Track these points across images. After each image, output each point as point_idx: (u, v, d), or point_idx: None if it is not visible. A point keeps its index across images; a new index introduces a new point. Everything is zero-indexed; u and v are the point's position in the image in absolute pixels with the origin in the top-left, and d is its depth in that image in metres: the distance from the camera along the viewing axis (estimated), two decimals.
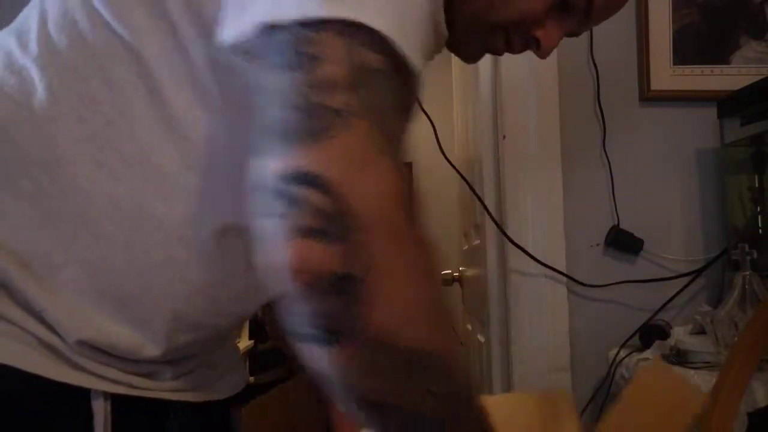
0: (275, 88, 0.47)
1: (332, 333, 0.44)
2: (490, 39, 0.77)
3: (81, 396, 0.63)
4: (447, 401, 0.48)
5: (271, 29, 0.48)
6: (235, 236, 0.65)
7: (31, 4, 0.69)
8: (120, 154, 0.62)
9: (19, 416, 0.61)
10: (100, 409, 0.63)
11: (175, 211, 0.63)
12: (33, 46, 0.64)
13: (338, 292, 0.43)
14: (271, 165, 0.44)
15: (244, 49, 0.51)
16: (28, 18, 0.67)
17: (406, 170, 0.69)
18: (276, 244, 0.44)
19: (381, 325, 0.45)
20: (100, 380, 0.64)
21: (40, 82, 0.63)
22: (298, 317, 0.45)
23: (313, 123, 0.44)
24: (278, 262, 0.43)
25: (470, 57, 0.82)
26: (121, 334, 0.64)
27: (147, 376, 0.68)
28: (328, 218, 0.42)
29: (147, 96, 0.62)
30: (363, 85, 0.46)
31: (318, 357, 0.46)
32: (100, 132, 0.62)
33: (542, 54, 0.80)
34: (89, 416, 0.63)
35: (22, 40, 0.65)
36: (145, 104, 0.62)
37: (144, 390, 0.67)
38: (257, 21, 0.48)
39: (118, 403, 0.65)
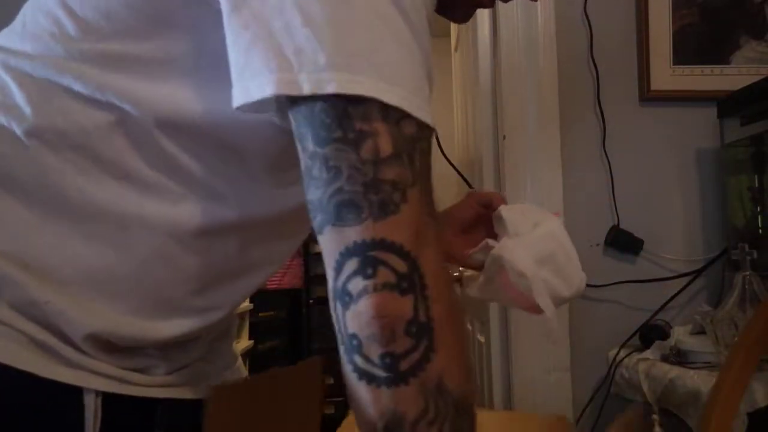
0: (326, 159, 0.53)
1: (400, 372, 0.52)
2: None
3: (73, 392, 0.64)
4: None
5: (299, 99, 0.53)
6: (226, 229, 0.69)
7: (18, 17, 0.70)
8: (99, 162, 0.64)
9: (9, 411, 0.62)
10: (90, 404, 0.64)
11: (162, 211, 0.65)
12: (12, 60, 0.66)
13: (410, 335, 0.51)
14: (352, 235, 0.52)
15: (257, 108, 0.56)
16: (11, 32, 0.69)
17: None
18: (363, 297, 0.52)
19: (442, 368, 0.52)
20: (91, 376, 0.65)
21: (21, 95, 0.64)
22: (372, 358, 0.53)
23: (379, 197, 0.52)
24: (364, 312, 0.52)
25: (458, 16, 0.81)
26: (124, 323, 0.66)
27: (140, 371, 0.69)
28: (403, 277, 0.51)
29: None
30: (406, 155, 0.53)
31: (375, 398, 0.53)
32: (78, 141, 0.64)
33: None
34: (80, 411, 0.64)
35: (2, 55, 0.67)
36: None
37: (135, 386, 0.68)
38: (275, 91, 0.52)
39: (109, 400, 0.66)
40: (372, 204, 0.52)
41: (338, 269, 0.53)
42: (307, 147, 0.54)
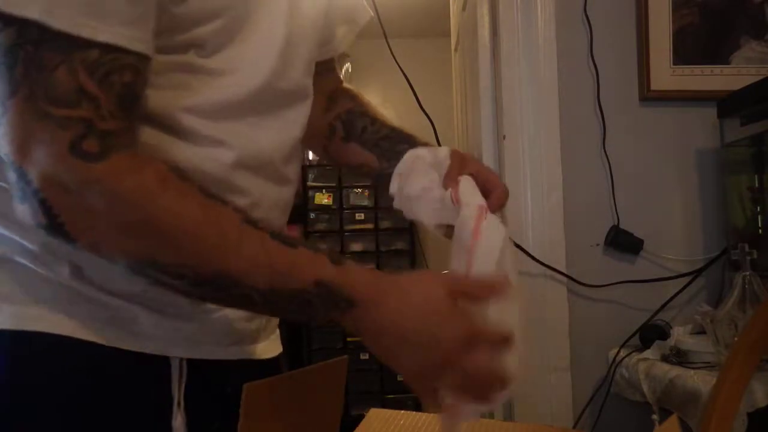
0: None
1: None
2: None
3: (159, 358, 0.69)
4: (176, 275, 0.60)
5: None
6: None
7: None
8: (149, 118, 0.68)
9: (100, 384, 0.67)
10: (176, 368, 0.69)
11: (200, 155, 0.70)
12: None
13: (48, 233, 0.58)
14: None
15: None
16: None
17: None
18: None
19: (86, 244, 0.58)
20: (172, 345, 0.69)
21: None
22: None
23: None
24: None
25: None
26: None
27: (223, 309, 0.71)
28: (15, 186, 0.57)
29: None
30: (4, 67, 0.54)
31: None
32: None
33: None
34: (167, 375, 0.69)
35: None
36: None
37: (211, 347, 0.72)
38: None
39: (191, 363, 0.71)
40: None
41: None
42: None
